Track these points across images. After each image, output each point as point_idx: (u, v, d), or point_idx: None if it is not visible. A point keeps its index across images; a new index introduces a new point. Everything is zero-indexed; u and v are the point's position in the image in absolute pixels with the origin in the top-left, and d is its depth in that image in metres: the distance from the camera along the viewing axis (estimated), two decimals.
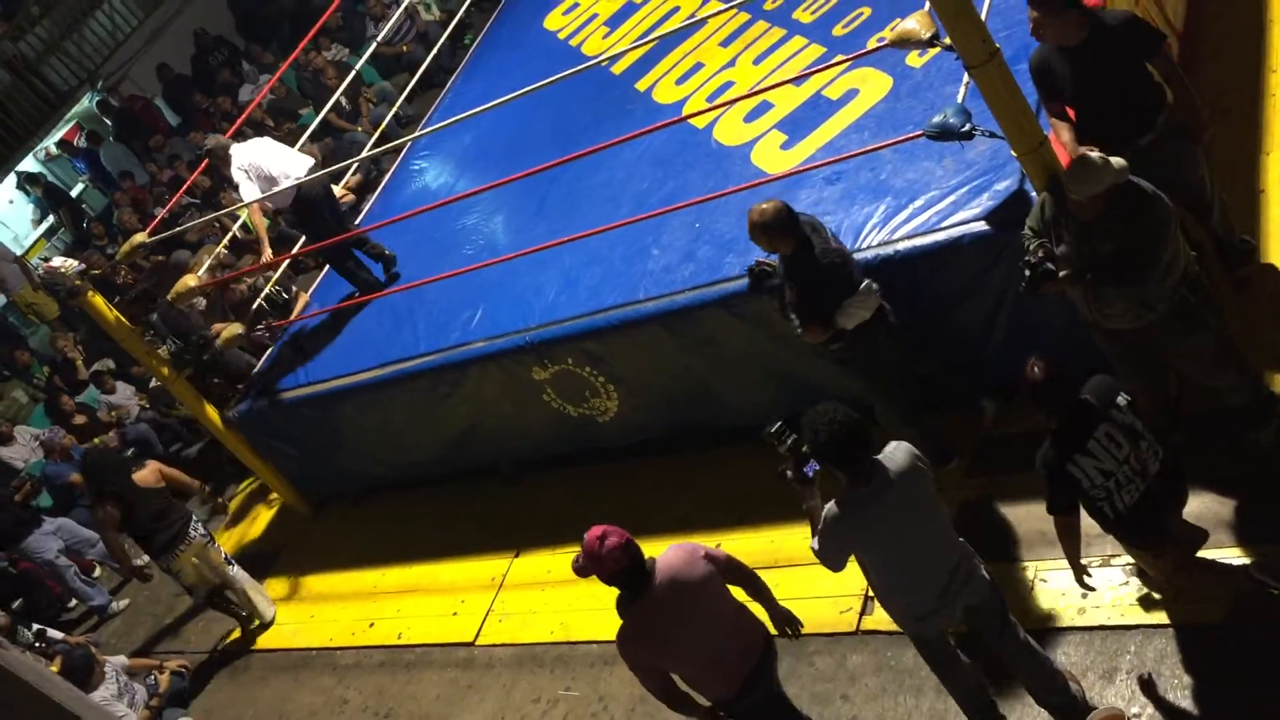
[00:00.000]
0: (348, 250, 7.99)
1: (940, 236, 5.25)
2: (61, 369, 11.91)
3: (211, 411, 8.30)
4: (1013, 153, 4.76)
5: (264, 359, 8.50)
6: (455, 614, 7.11)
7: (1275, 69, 6.08)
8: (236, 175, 7.77)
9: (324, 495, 8.72)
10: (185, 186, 9.83)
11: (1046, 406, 4.18)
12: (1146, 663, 4.56)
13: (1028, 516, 5.23)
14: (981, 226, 5.11)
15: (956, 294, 5.34)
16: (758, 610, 4.59)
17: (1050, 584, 4.98)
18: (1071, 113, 4.98)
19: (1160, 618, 4.63)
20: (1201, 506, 4.73)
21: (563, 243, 6.50)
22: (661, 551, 4.42)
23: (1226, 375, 4.71)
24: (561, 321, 6.46)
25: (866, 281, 5.13)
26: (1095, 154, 4.26)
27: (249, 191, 7.71)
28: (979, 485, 5.50)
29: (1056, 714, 4.52)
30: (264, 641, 7.99)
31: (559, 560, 6.83)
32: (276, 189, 7.61)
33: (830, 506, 4.14)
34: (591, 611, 6.41)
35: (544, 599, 6.76)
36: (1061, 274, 4.47)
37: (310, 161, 8.10)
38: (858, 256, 5.42)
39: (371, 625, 7.51)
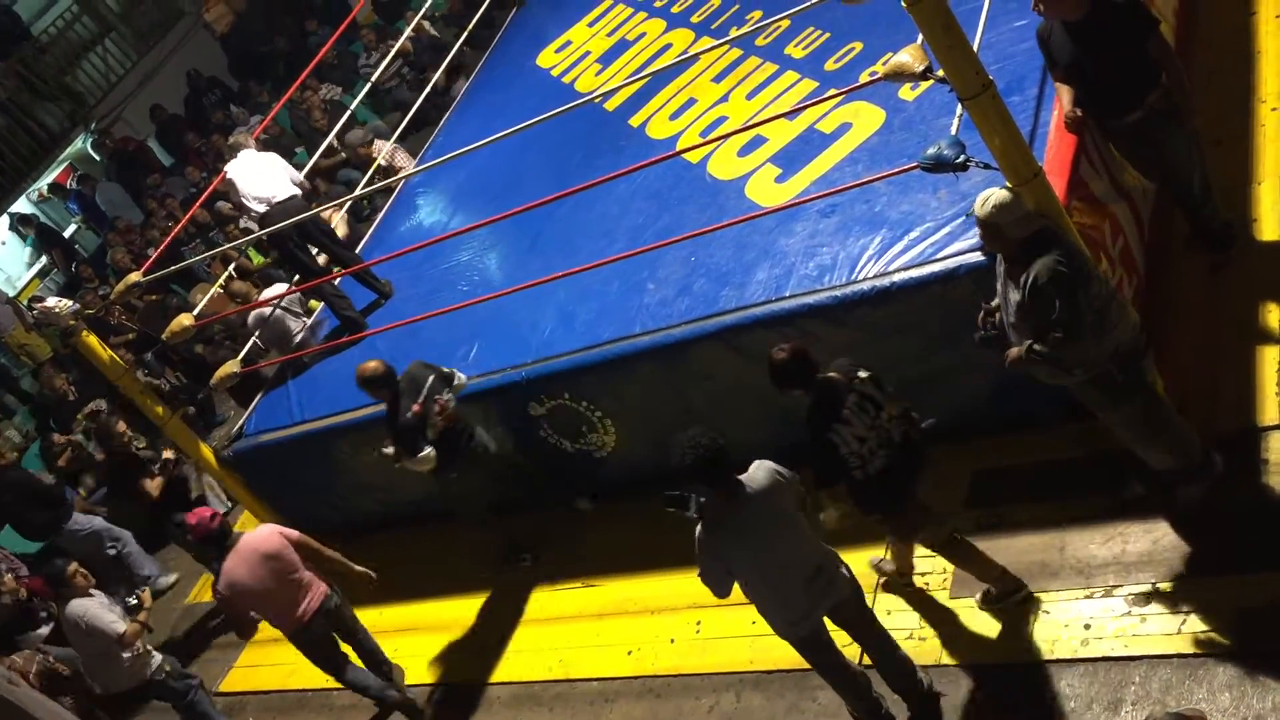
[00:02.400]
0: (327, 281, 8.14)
1: (936, 268, 5.26)
2: (55, 410, 11.85)
3: (206, 451, 8.26)
4: (1007, 184, 4.77)
5: (259, 396, 8.46)
6: (454, 652, 7.04)
7: (1264, 100, 6.13)
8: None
9: (319, 534, 8.64)
10: (179, 227, 9.83)
11: (797, 384, 4.71)
12: (1151, 694, 4.53)
13: (1028, 548, 5.21)
14: (977, 257, 5.12)
15: (955, 325, 5.33)
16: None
17: (1052, 615, 4.96)
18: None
19: (1165, 647, 4.60)
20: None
21: (558, 278, 6.50)
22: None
23: (1151, 449, 4.84)
24: (557, 357, 6.46)
25: (429, 450, 6.54)
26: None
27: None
28: (978, 516, 5.48)
29: (909, 699, 4.98)
30: (259, 682, 7.91)
31: (557, 597, 6.78)
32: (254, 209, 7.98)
33: (699, 529, 4.53)
34: (591, 649, 6.37)
35: (542, 636, 6.70)
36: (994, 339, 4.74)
37: (288, 192, 8.06)
38: (854, 288, 5.43)
39: None
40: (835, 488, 4.82)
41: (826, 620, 4.78)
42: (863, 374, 4.75)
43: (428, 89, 10.76)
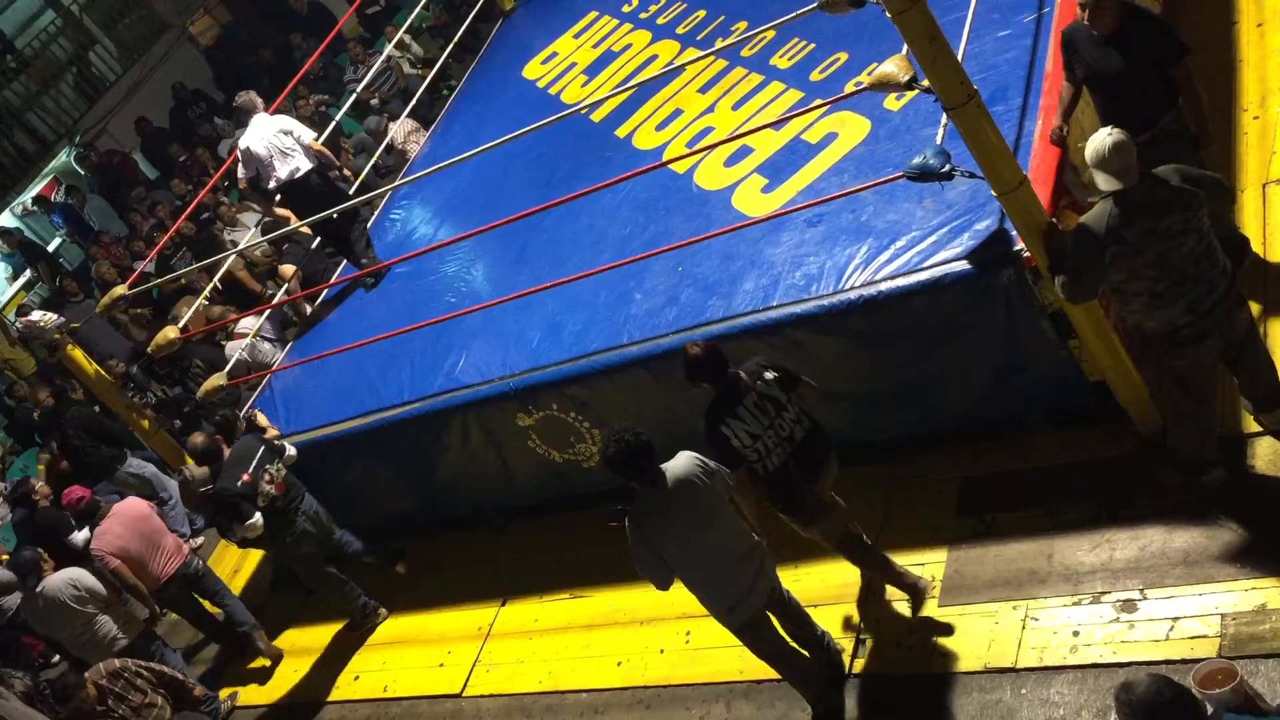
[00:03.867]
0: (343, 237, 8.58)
1: (922, 276, 5.27)
2: (39, 423, 11.77)
3: (192, 465, 8.21)
4: (993, 192, 4.80)
5: (245, 409, 8.43)
6: (442, 665, 7.03)
7: (1246, 108, 6.17)
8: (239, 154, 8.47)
9: None
10: (165, 239, 9.82)
11: (706, 378, 5.00)
12: None
13: (1018, 556, 5.22)
14: (964, 266, 5.13)
15: (941, 333, 5.36)
16: None
17: (1041, 623, 4.96)
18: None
19: (1153, 654, 4.61)
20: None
21: (546, 288, 6.51)
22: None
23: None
24: (545, 367, 6.46)
25: (256, 517, 6.98)
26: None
27: (242, 171, 8.56)
28: (969, 525, 5.49)
29: (825, 667, 5.28)
30: (245, 696, 7.87)
31: (546, 609, 6.77)
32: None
33: (628, 521, 4.80)
34: (580, 660, 6.36)
35: (532, 648, 6.69)
36: None
37: (294, 169, 8.34)
38: (840, 298, 5.45)
39: (356, 678, 7.41)
40: (749, 478, 5.03)
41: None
42: (769, 375, 4.99)
43: (413, 101, 10.77)
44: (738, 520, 4.94)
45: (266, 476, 7.07)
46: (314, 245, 9.76)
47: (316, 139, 8.68)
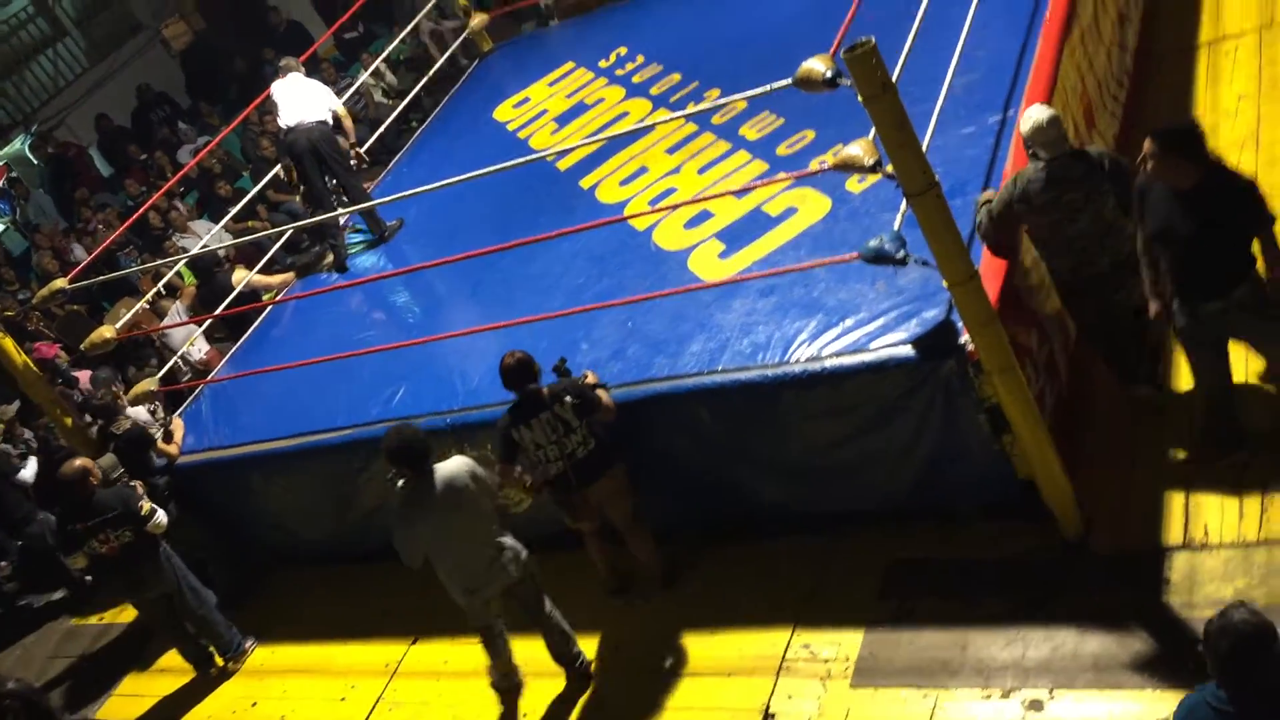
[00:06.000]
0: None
1: (866, 357, 5.33)
2: None
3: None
4: (944, 283, 4.87)
5: (174, 415, 8.29)
6: (344, 699, 6.88)
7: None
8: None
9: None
10: (113, 237, 9.67)
11: (513, 386, 5.69)
12: None
13: (933, 644, 5.23)
14: (908, 351, 5.20)
15: (878, 415, 5.41)
16: None
17: (949, 714, 4.97)
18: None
19: None
20: None
21: (492, 328, 6.49)
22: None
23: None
24: (484, 407, 6.41)
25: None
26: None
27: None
28: (889, 608, 5.51)
29: (569, 666, 5.99)
30: (135, 713, 7.65)
31: (458, 650, 6.67)
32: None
33: (396, 503, 5.60)
34: (487, 706, 6.26)
35: (438, 690, 6.58)
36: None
37: (316, 117, 8.69)
38: (785, 369, 5.49)
39: (254, 705, 7.23)
40: (511, 471, 5.84)
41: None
42: (568, 400, 5.65)
43: (380, 129, 10.77)
44: (493, 519, 5.69)
45: (102, 537, 6.88)
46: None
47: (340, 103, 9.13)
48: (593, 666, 6.05)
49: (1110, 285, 5.22)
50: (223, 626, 7.42)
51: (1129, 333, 5.41)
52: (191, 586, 7.25)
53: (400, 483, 5.57)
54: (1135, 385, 5.55)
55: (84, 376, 9.43)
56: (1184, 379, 5.57)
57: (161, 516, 6.98)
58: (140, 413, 8.27)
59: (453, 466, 5.58)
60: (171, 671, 7.83)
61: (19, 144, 15.24)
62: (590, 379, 5.90)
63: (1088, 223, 5.11)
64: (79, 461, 6.97)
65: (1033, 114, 5.14)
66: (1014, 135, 5.90)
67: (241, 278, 9.00)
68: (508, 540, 5.75)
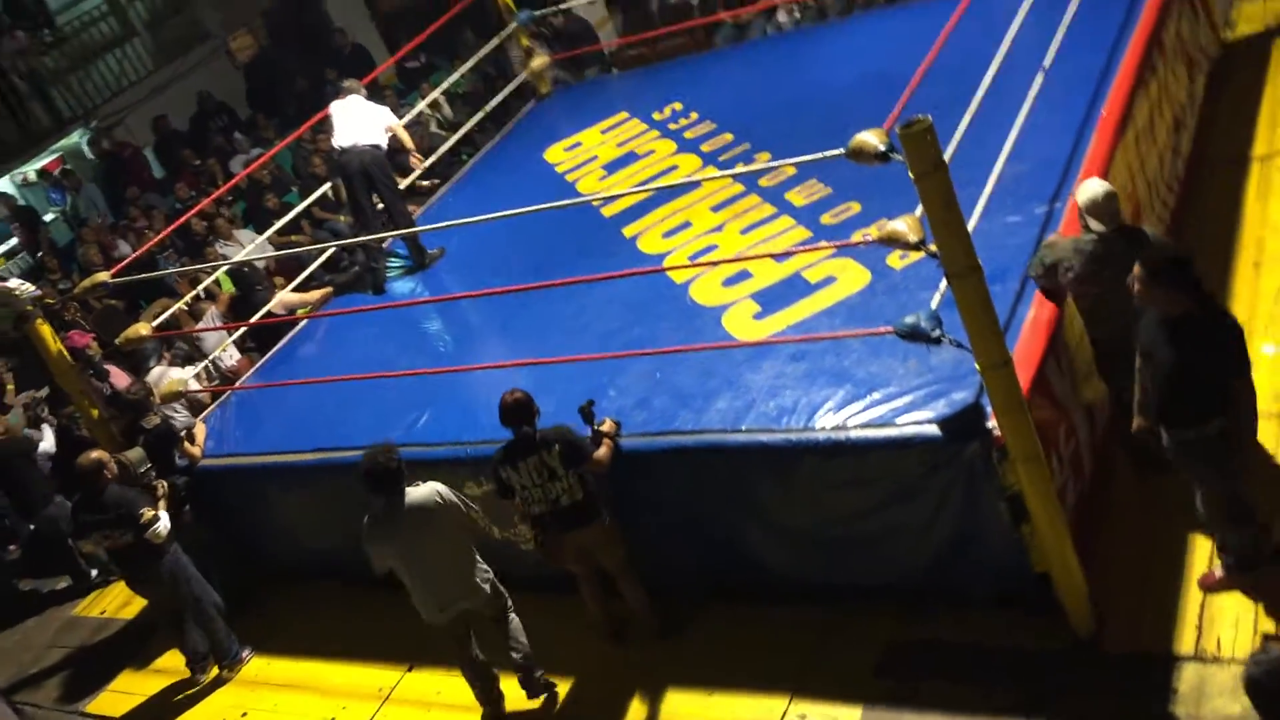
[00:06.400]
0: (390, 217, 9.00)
1: (891, 432, 5.32)
2: None
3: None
4: (976, 366, 4.87)
5: (199, 419, 8.34)
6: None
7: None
8: None
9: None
10: (159, 238, 9.80)
11: (510, 424, 5.80)
12: None
13: None
14: (933, 430, 5.19)
15: (898, 491, 5.39)
16: None
17: None
18: None
19: None
20: None
21: (522, 364, 6.53)
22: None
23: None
24: (504, 441, 6.42)
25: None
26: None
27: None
28: (888, 686, 5.44)
29: (520, 670, 6.15)
30: (123, 712, 7.64)
31: (452, 682, 6.62)
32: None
33: (364, 522, 5.84)
34: None
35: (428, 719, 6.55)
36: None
37: (370, 140, 8.79)
38: (808, 435, 5.49)
39: (244, 715, 7.21)
40: (509, 507, 6.11)
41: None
42: (555, 448, 5.74)
43: (433, 158, 10.89)
44: (466, 543, 5.91)
45: (105, 533, 6.99)
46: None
47: (399, 122, 9.32)
48: (578, 710, 5.99)
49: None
50: (223, 633, 7.43)
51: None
52: (196, 592, 7.27)
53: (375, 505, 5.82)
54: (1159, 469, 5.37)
55: (115, 371, 9.49)
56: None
57: (162, 526, 6.99)
58: (180, 410, 8.34)
59: (423, 491, 5.79)
60: (167, 672, 7.83)
61: (77, 138, 15.49)
62: (608, 427, 5.92)
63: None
64: (95, 454, 7.04)
65: (1091, 186, 5.34)
66: (1068, 204, 5.94)
67: (281, 300, 9.05)
68: (479, 562, 5.97)
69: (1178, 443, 4.94)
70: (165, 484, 7.32)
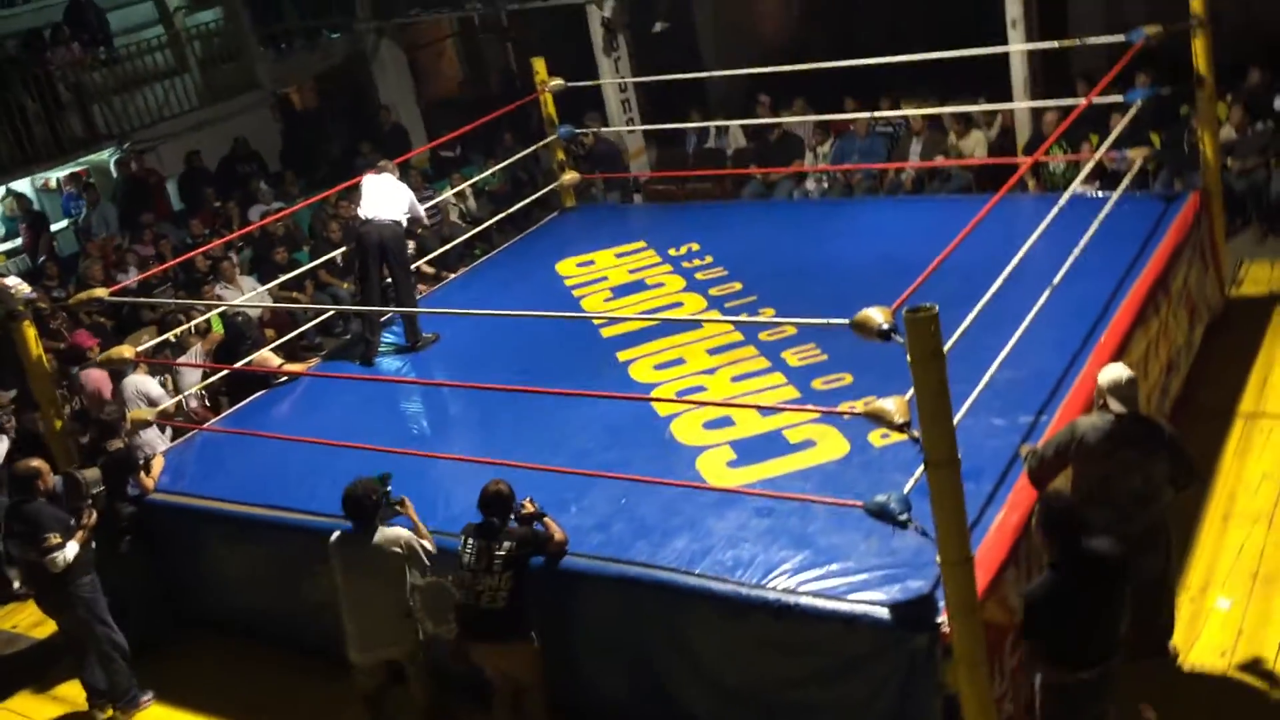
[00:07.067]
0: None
1: (841, 606, 5.28)
2: None
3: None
4: (937, 558, 4.87)
5: (163, 450, 8.26)
6: None
7: (1188, 588, 6.34)
8: None
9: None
10: (164, 267, 9.85)
11: (481, 508, 5.85)
12: None
13: None
14: (883, 614, 5.15)
15: (837, 667, 5.34)
16: None
17: None
18: None
19: None
20: None
21: (492, 462, 6.51)
22: None
23: None
24: (456, 534, 6.37)
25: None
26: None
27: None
28: None
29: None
30: None
31: None
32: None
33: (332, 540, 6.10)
34: None
35: None
36: None
37: (392, 216, 8.91)
38: (758, 593, 5.46)
39: None
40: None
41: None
42: (507, 544, 5.76)
43: (446, 246, 11.04)
44: (401, 594, 6.01)
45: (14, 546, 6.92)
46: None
47: (423, 213, 9.55)
48: None
49: (1140, 546, 5.34)
50: (122, 675, 7.21)
51: (1149, 599, 5.54)
52: (100, 630, 7.08)
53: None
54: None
55: (99, 375, 9.29)
56: None
57: (62, 556, 6.78)
58: (154, 435, 8.26)
59: (390, 533, 5.98)
60: (64, 701, 7.60)
61: (106, 155, 15.67)
62: (529, 508, 5.99)
63: (1139, 482, 5.37)
64: (35, 463, 6.96)
65: (1115, 369, 5.55)
66: (1053, 419, 6.06)
67: (264, 360, 9.01)
68: (416, 619, 6.09)
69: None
70: (94, 514, 7.16)
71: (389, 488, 6.24)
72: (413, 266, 9.79)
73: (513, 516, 5.92)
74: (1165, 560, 5.64)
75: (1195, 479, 5.63)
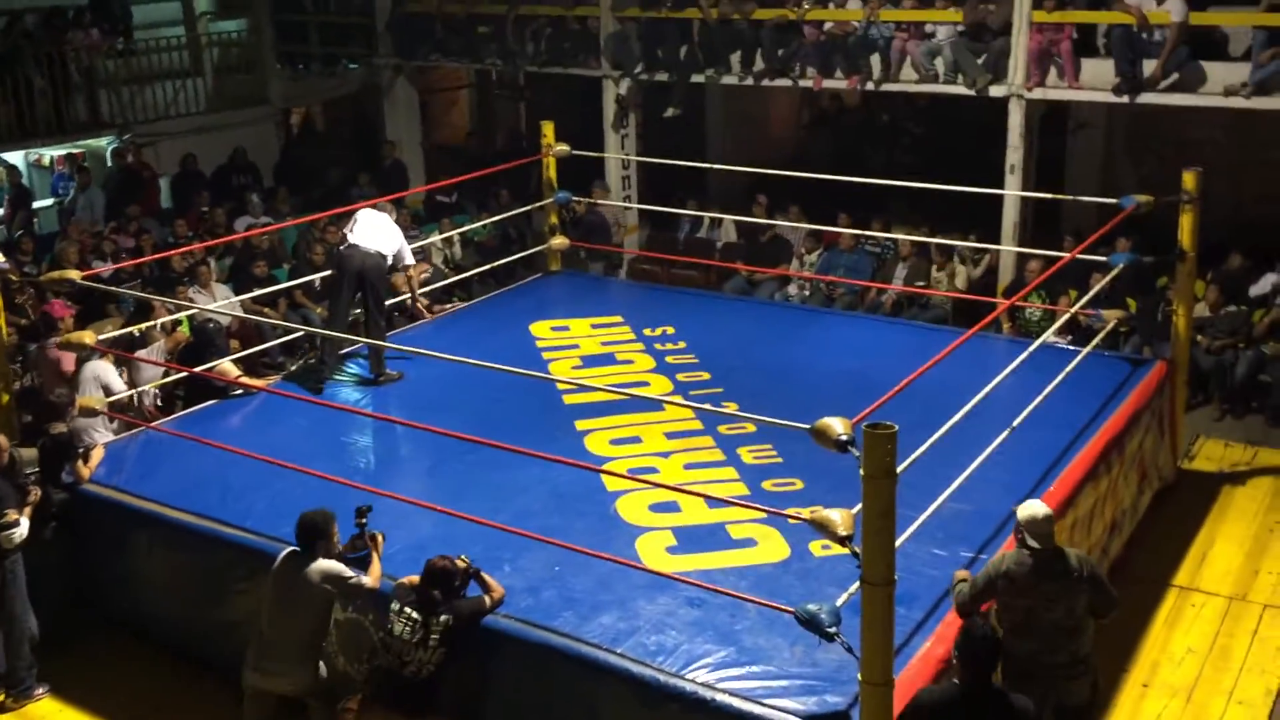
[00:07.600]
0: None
1: (756, 709, 5.25)
2: None
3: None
4: (859, 676, 4.87)
5: (105, 442, 8.14)
6: None
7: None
8: None
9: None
10: (140, 260, 9.80)
11: (424, 582, 5.87)
12: None
13: None
14: None
15: None
16: None
17: None
18: None
19: None
20: None
21: (433, 508, 6.48)
22: None
23: None
24: (390, 578, 6.30)
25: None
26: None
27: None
28: None
29: None
30: None
31: None
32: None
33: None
34: None
35: None
36: None
37: (376, 248, 8.94)
38: (675, 682, 5.42)
39: None
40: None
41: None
42: (443, 618, 5.77)
43: (421, 289, 11.04)
44: (317, 630, 6.04)
45: None
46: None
47: (412, 260, 9.65)
48: None
49: (1063, 676, 5.56)
50: (23, 662, 7.02)
51: None
52: (16, 611, 6.92)
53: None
54: None
55: (65, 357, 9.13)
56: None
57: (18, 533, 6.73)
58: (98, 426, 8.15)
59: (323, 564, 5.95)
60: None
61: (104, 143, 15.67)
62: (461, 564, 5.96)
63: (1062, 614, 5.50)
64: None
65: (1033, 506, 5.66)
66: (994, 557, 6.04)
67: (223, 370, 8.93)
68: (326, 657, 6.13)
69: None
70: (38, 492, 7.08)
71: (366, 520, 6.29)
72: (421, 304, 9.89)
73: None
74: (1091, 691, 5.75)
75: (1115, 608, 5.73)
